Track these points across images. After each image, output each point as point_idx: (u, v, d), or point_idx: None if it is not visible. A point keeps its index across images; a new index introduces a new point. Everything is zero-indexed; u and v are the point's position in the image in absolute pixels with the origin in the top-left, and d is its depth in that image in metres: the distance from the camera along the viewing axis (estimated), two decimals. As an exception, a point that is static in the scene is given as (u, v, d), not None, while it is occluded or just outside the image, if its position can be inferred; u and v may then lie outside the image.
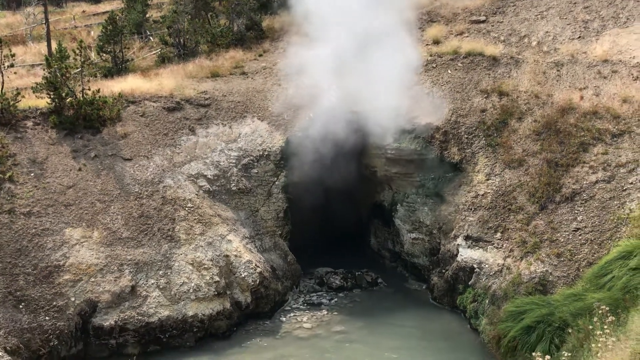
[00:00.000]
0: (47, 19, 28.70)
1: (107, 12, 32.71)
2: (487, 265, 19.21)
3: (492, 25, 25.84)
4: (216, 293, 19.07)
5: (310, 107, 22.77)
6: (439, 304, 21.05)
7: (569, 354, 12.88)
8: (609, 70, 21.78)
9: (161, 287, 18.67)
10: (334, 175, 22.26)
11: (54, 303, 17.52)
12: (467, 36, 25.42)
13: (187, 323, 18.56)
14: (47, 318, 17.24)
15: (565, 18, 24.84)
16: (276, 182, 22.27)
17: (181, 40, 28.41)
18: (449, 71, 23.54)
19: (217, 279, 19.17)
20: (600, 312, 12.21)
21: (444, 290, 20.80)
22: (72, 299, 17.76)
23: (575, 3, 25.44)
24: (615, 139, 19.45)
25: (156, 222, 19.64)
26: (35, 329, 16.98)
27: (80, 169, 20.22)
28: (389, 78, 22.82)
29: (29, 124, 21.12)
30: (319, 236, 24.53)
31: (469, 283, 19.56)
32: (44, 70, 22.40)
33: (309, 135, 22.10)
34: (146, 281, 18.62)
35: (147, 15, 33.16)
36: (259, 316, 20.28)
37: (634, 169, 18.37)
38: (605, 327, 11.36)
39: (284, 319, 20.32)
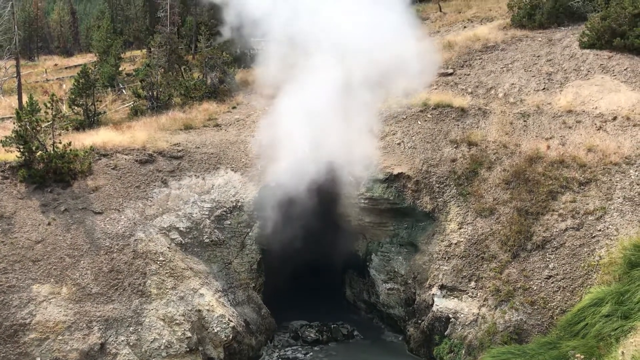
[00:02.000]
0: (18, 72, 28.65)
1: (79, 65, 32.90)
2: (462, 315, 19.16)
3: (460, 78, 26.59)
4: (188, 349, 18.59)
5: (283, 157, 22.88)
6: (415, 355, 20.83)
7: (547, 405, 12.80)
8: (573, 121, 22.47)
9: (131, 344, 18.13)
10: (308, 225, 22.21)
11: (19, 363, 16.86)
12: (436, 88, 26.07)
13: (158, 381, 17.99)
14: (10, 380, 16.55)
15: (530, 70, 25.71)
16: (250, 234, 22.12)
17: (154, 93, 28.54)
18: (419, 122, 24.02)
19: (189, 334, 18.72)
20: (575, 360, 12.21)
21: (421, 342, 20.61)
22: (38, 359, 17.11)
23: (538, 56, 26.41)
24: (582, 187, 19.90)
25: (127, 277, 19.24)
26: (-2, 391, 16.27)
27: (49, 224, 19.84)
28: (361, 129, 23.20)
29: (-3, 178, 20.76)
30: (293, 287, 24.25)
31: (445, 333, 19.44)
32: (14, 123, 22.19)
33: (282, 186, 22.12)
34: (116, 338, 18.08)
35: (120, 69, 33.37)
36: (233, 372, 19.78)
37: (601, 217, 18.75)
38: (581, 376, 11.35)
39: (259, 374, 19.86)
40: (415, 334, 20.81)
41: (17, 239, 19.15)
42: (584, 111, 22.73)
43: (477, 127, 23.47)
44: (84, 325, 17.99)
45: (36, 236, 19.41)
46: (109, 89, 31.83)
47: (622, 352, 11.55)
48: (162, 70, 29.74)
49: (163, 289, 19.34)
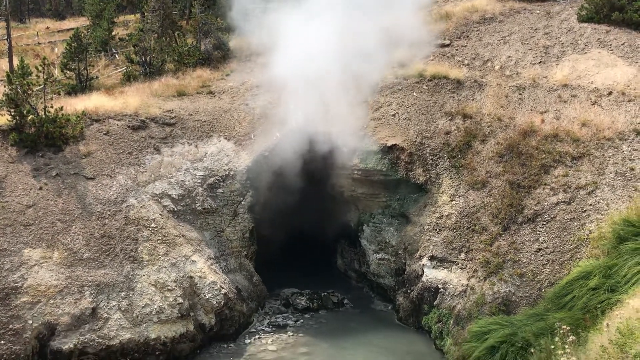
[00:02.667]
0: (9, 35, 28.19)
1: (72, 29, 32.36)
2: (451, 286, 19.36)
3: (457, 49, 26.38)
4: (179, 315, 18.74)
5: (277, 127, 22.79)
6: (404, 324, 21.09)
7: (532, 374, 13.03)
8: (568, 95, 22.40)
9: (123, 309, 18.25)
10: (300, 195, 22.26)
11: (10, 326, 16.96)
12: (432, 59, 25.88)
13: (149, 346, 18.15)
14: (2, 342, 16.66)
15: (527, 43, 25.52)
16: (242, 202, 22.13)
17: (147, 58, 28.20)
18: (415, 93, 23.90)
19: (180, 300, 18.85)
20: (561, 331, 12.39)
21: (410, 311, 20.86)
22: (30, 322, 17.22)
23: (536, 29, 26.18)
24: (575, 161, 19.95)
25: (118, 243, 19.27)
26: (-10, 353, 16.41)
27: (40, 188, 19.76)
28: (356, 99, 23.08)
29: (-12, 141, 20.60)
30: (285, 256, 24.40)
31: (434, 303, 19.67)
32: (4, 86, 21.93)
33: (275, 155, 22.09)
34: (107, 303, 18.20)
35: (113, 33, 32.89)
36: (224, 338, 19.97)
37: (593, 191, 18.84)
38: (567, 346, 11.53)
39: (249, 341, 20.06)
40: (405, 304, 21.04)
41: (8, 203, 19.09)
42: (579, 85, 22.66)
43: (473, 100, 23.38)
44: (76, 290, 18.08)
45: (27, 200, 19.35)
46: (102, 53, 31.42)
47: (607, 324, 11.70)
48: (156, 35, 29.32)
49: (155, 255, 19.40)
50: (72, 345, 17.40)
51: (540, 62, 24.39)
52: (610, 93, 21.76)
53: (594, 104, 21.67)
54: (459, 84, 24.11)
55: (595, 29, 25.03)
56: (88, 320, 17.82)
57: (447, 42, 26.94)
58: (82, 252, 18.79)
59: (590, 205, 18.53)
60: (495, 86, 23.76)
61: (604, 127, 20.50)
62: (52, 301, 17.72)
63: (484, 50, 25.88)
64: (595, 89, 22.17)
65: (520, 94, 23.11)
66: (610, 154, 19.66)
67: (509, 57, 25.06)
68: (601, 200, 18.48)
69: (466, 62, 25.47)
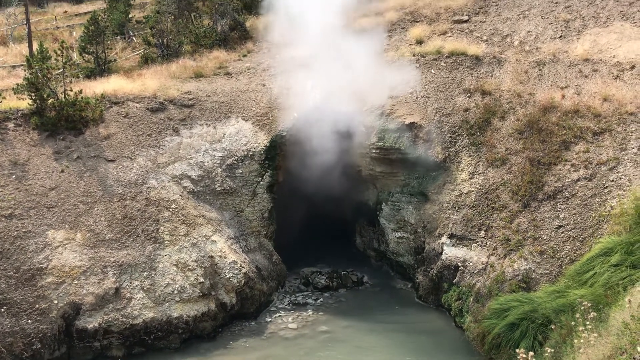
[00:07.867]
0: (28, 20, 28.42)
1: (89, 12, 32.49)
2: (471, 264, 19.33)
3: (475, 25, 26.01)
4: (201, 294, 18.99)
5: (294, 107, 22.77)
6: (424, 302, 21.15)
7: (552, 350, 13.03)
8: (589, 69, 22.02)
9: (145, 288, 18.55)
10: (318, 174, 22.28)
11: (37, 306, 17.35)
12: (450, 36, 25.56)
13: (171, 324, 18.46)
14: (29, 321, 17.07)
15: (547, 17, 25.08)
16: (261, 182, 22.23)
17: (164, 40, 28.26)
18: (432, 71, 23.66)
19: (201, 280, 19.10)
20: (582, 308, 12.33)
21: (429, 289, 20.89)
22: (55, 302, 17.59)
23: (556, 3, 25.69)
24: (596, 137, 19.67)
25: (140, 224, 19.52)
26: (18, 332, 16.80)
27: (62, 171, 20.04)
28: (373, 77, 22.92)
29: (10, 125, 20.89)
30: (305, 235, 24.53)
31: (454, 281, 19.67)
32: (25, 71, 22.17)
33: (293, 135, 22.11)
34: (130, 283, 18.50)
35: (130, 16, 33.00)
36: (245, 317, 20.23)
37: (614, 167, 18.60)
38: (587, 323, 11.48)
39: (270, 319, 20.29)
40: (424, 282, 21.08)
41: (31, 186, 19.40)
42: (601, 60, 22.25)
43: (492, 76, 23.09)
44: (99, 270, 18.39)
45: (50, 183, 19.65)
46: (119, 36, 31.55)
47: (629, 301, 11.60)
48: (172, 17, 29.37)
49: (176, 236, 19.63)
50: (96, 324, 17.77)
51: (561, 36, 23.97)
52: (633, 67, 21.34)
53: (616, 78, 21.28)
54: (478, 60, 23.80)
55: (617, 1, 24.50)
56: (112, 299, 18.15)
57: (465, 17, 26.57)
58: (105, 233, 19.07)
59: (612, 181, 18.31)
60: (514, 62, 23.43)
61: (626, 102, 20.14)
62: (76, 281, 18.06)
63: (503, 26, 25.50)
64: (618, 63, 21.76)
65: (540, 70, 22.77)
66: (633, 129, 19.34)
67: (529, 32, 24.66)
68: (623, 176, 18.24)
69: (485, 38, 25.12)
